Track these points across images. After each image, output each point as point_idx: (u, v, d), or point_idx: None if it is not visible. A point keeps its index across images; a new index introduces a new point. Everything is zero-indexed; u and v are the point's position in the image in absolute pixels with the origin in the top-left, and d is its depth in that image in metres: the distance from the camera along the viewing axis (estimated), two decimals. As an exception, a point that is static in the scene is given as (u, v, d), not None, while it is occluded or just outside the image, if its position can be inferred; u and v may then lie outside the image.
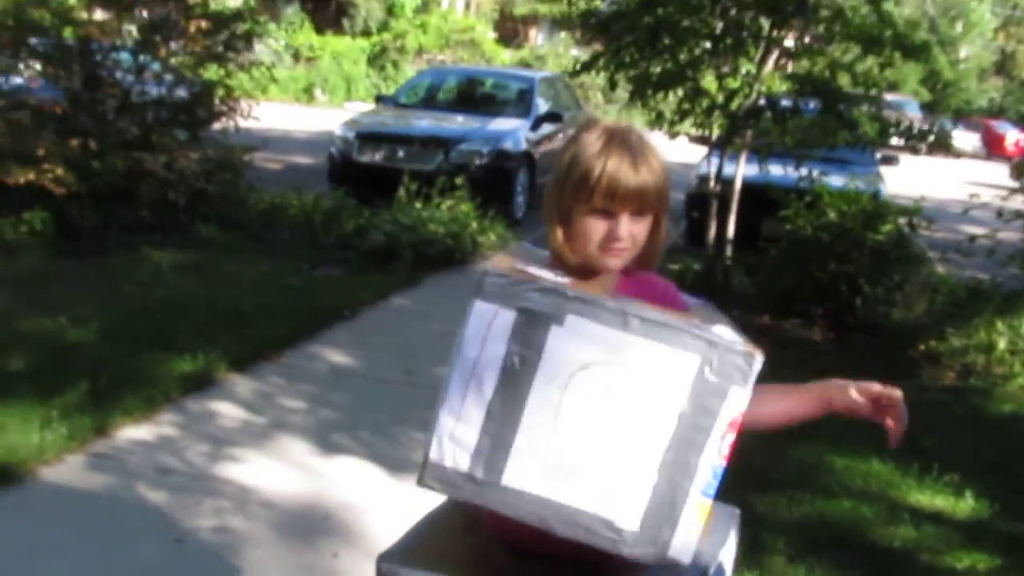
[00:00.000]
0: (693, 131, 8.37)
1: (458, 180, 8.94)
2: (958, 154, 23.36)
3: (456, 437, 1.55)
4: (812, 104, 7.47)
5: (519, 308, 1.52)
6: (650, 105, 7.64)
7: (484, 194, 9.24)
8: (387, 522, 3.63)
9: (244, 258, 7.76)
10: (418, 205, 8.62)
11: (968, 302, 6.71)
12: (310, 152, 13.95)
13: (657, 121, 7.83)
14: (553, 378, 1.51)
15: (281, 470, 4.01)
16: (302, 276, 7.45)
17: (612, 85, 7.95)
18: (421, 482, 1.60)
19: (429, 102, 12.32)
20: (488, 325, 1.54)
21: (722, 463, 1.51)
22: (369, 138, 10.51)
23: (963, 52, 43.94)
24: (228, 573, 3.22)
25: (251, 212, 9.07)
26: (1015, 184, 7.98)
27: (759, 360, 1.49)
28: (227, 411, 4.60)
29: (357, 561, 3.32)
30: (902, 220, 7.37)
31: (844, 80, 7.64)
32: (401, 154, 10.26)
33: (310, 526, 3.56)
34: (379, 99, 13.22)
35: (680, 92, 7.45)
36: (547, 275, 1.59)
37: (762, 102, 7.26)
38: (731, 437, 1.50)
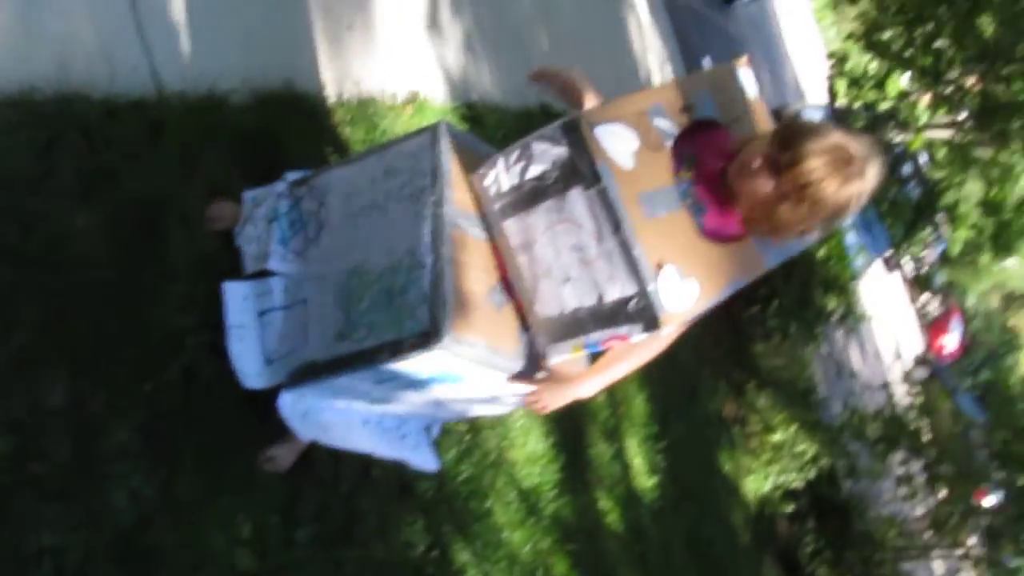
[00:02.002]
0: None
1: None
2: (918, 303, 23.99)
3: (498, 177, 2.09)
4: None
5: (571, 158, 1.96)
6: None
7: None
8: (393, 38, 3.84)
9: None
10: None
11: (799, 396, 7.31)
12: None
13: None
14: (560, 209, 2.00)
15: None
16: None
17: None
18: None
19: None
20: (553, 145, 1.99)
21: (599, 346, 2.05)
22: None
23: None
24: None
25: None
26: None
27: (663, 331, 1.93)
28: None
29: (358, 40, 3.54)
30: (840, 306, 7.86)
31: None
32: None
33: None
34: None
35: None
36: (612, 156, 1.93)
37: None
38: (616, 342, 2.01)
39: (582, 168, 1.93)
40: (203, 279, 2.37)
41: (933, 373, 15.75)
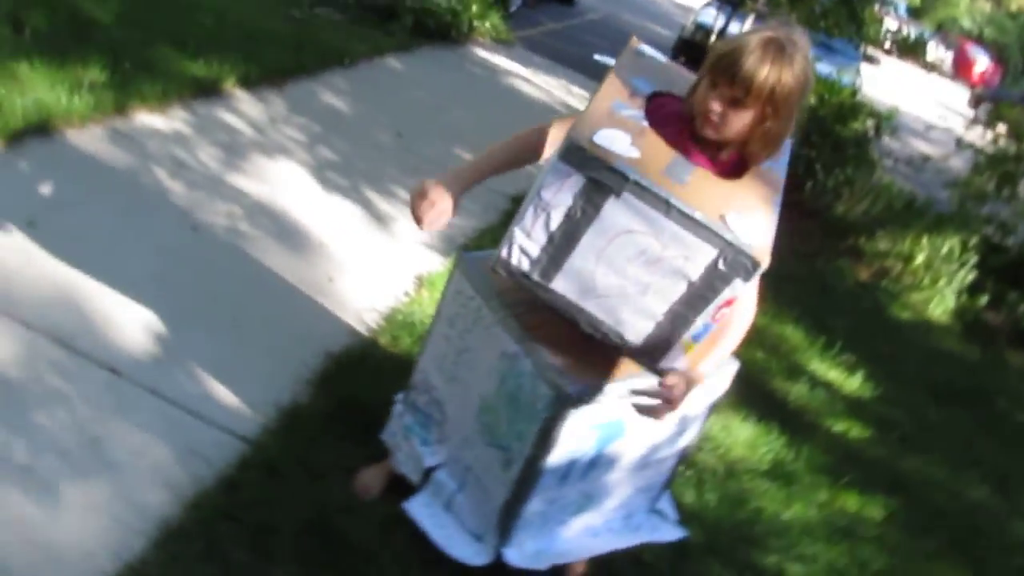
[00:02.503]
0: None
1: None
2: (929, 68, 23.71)
3: (524, 248, 2.03)
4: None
5: (589, 177, 1.91)
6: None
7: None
8: (375, 261, 4.08)
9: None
10: (430, -27, 8.68)
11: (902, 213, 7.26)
12: None
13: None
14: (603, 231, 1.96)
15: (283, 192, 4.37)
16: (302, 11, 7.56)
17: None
18: (493, 269, 2.07)
19: None
20: (563, 181, 1.94)
21: (711, 323, 2.01)
22: None
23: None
24: (236, 267, 3.63)
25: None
26: (971, 113, 8.44)
27: (762, 266, 1.90)
28: (234, 123, 4.89)
29: (348, 286, 3.77)
30: (870, 122, 7.85)
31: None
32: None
33: (308, 248, 3.97)
34: None
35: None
36: (620, 153, 1.92)
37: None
38: (725, 309, 1.98)
39: (604, 180, 1.90)
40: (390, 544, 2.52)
41: (993, 99, 15.39)
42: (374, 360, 3.29)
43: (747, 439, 3.78)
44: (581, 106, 2.31)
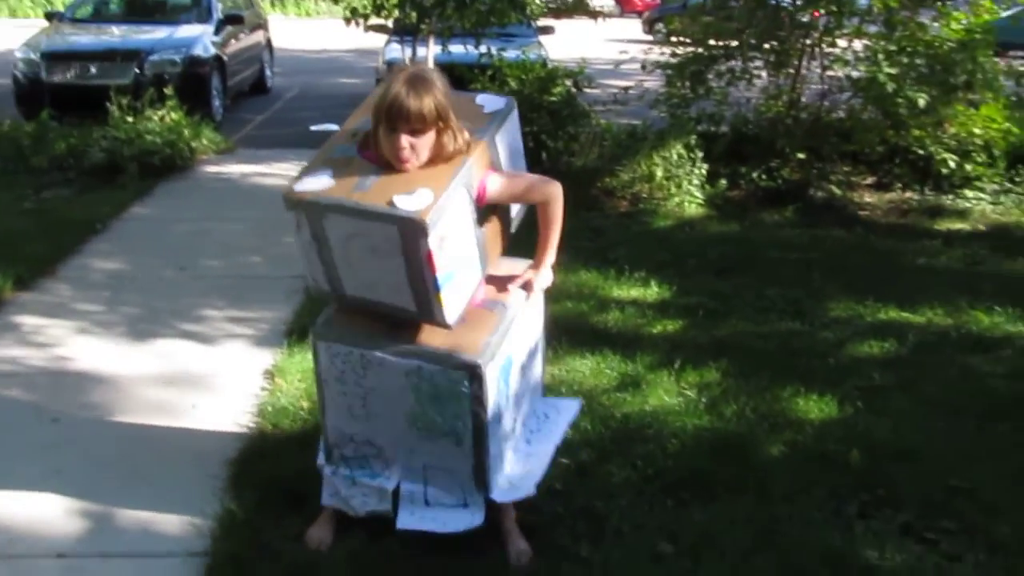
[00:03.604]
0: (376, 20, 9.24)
1: (167, 91, 9.26)
2: (596, 15, 25.43)
3: (316, 277, 2.78)
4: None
5: (305, 212, 2.61)
6: (346, 2, 8.38)
7: (183, 100, 9.58)
8: (221, 377, 4.44)
9: (-38, 192, 7.84)
10: (130, 118, 8.92)
11: (629, 144, 8.11)
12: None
13: (353, 15, 8.60)
14: (339, 244, 2.64)
15: (113, 355, 4.65)
16: (32, 201, 7.68)
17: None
18: (309, 290, 2.74)
19: (103, 15, 12.24)
20: (297, 223, 2.66)
21: (435, 274, 2.58)
22: (57, 57, 10.47)
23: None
24: (109, 432, 3.91)
25: (-52, 146, 8.97)
26: (650, 38, 9.41)
27: (427, 221, 2.46)
28: (33, 322, 5.10)
29: (212, 409, 4.12)
30: (568, 82, 8.71)
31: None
32: (94, 70, 10.35)
33: (161, 391, 4.29)
34: (50, 16, 12.80)
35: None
36: (315, 188, 2.58)
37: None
38: (436, 260, 2.56)
39: (310, 212, 2.59)
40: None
41: (660, 17, 16.78)
42: (270, 448, 3.68)
43: (591, 370, 4.39)
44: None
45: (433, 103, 2.56)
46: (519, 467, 3.03)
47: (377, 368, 2.82)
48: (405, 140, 2.57)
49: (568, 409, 3.38)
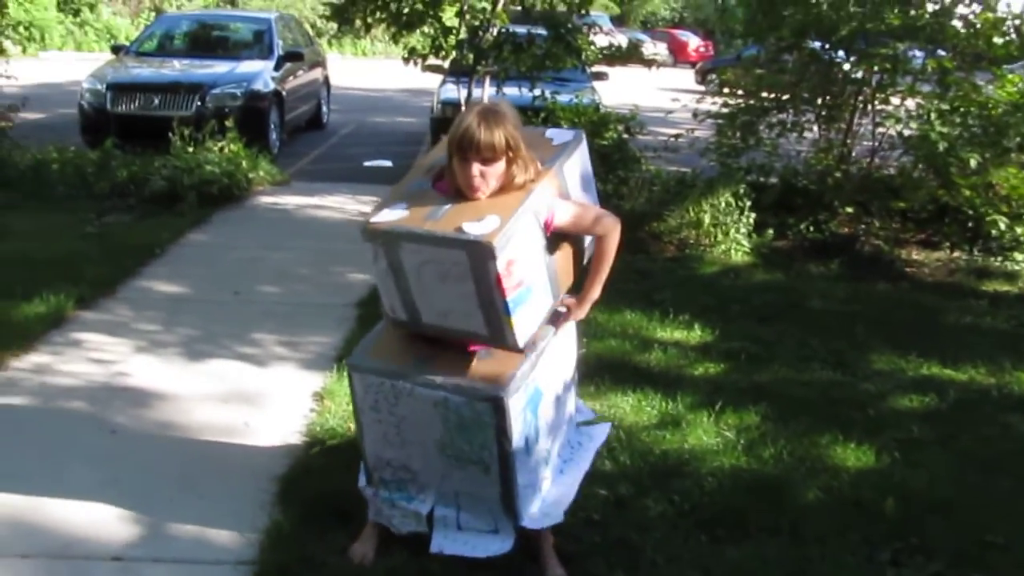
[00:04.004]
0: (433, 61, 9.49)
1: (227, 123, 9.53)
2: (650, 63, 25.73)
3: (393, 307, 2.89)
4: (542, 32, 8.74)
5: (381, 242, 2.75)
6: (404, 42, 8.62)
7: (242, 133, 9.86)
8: (273, 398, 4.58)
9: (28, 215, 8.12)
10: (190, 149, 9.20)
11: (678, 190, 8.23)
12: (38, 107, 13.78)
13: (411, 55, 8.84)
14: (413, 273, 2.76)
15: (169, 373, 4.82)
16: (94, 225, 7.94)
17: (367, 28, 8.88)
18: (386, 318, 2.95)
19: (167, 49, 12.64)
20: (374, 254, 2.79)
21: (505, 297, 2.70)
22: (122, 88, 10.84)
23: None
24: (165, 447, 4.06)
25: (18, 170, 9.29)
26: (702, 88, 9.56)
27: (494, 245, 2.59)
28: (94, 339, 5.29)
29: (264, 427, 4.26)
30: (620, 127, 8.86)
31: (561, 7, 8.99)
32: (156, 102, 10.70)
33: (215, 408, 4.44)
34: (116, 49, 13.27)
35: (428, 29, 8.48)
36: (390, 219, 2.73)
37: (498, 32, 8.44)
38: (505, 283, 2.67)
39: (386, 241, 2.73)
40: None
41: (713, 68, 16.98)
42: (317, 466, 3.80)
43: (632, 407, 4.47)
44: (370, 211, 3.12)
45: (504, 134, 2.71)
46: (552, 495, 3.11)
47: (407, 398, 2.95)
48: (476, 168, 2.72)
49: (599, 434, 3.47)
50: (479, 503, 3.01)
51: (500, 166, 2.75)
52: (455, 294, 2.72)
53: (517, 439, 2.86)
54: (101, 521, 3.42)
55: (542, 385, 2.99)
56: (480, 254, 2.61)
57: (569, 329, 3.19)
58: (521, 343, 2.79)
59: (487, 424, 2.83)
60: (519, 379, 2.85)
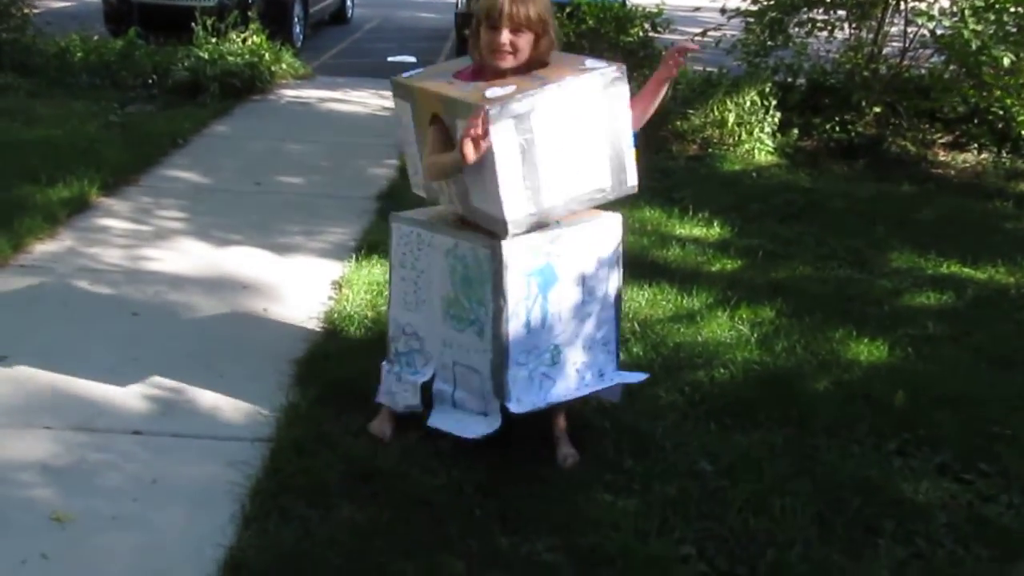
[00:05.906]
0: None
1: (250, 14, 9.44)
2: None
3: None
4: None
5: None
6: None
7: (265, 25, 9.78)
8: (293, 285, 4.63)
9: (53, 101, 8.15)
10: (213, 40, 9.13)
11: (703, 88, 8.10)
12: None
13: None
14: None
15: (190, 260, 4.88)
16: (117, 114, 7.95)
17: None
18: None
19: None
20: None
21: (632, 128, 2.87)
22: (146, -22, 10.71)
23: None
24: (186, 328, 4.14)
25: (43, 58, 9.28)
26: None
27: (620, 72, 2.73)
28: (117, 224, 5.35)
29: (282, 313, 4.32)
30: (646, 24, 8.70)
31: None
32: (180, -9, 10.57)
33: (235, 294, 4.50)
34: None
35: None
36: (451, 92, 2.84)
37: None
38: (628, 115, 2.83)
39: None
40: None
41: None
42: (334, 351, 3.87)
43: (647, 300, 4.50)
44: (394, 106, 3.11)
45: (536, 9, 2.75)
46: (553, 397, 3.13)
47: (427, 248, 3.08)
48: (506, 35, 2.75)
49: (631, 377, 3.36)
50: (473, 379, 3.06)
51: (529, 38, 2.77)
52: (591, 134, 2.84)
53: (513, 303, 2.91)
54: (122, 397, 3.50)
55: (559, 269, 2.99)
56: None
57: (611, 242, 3.15)
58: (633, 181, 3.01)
59: (486, 275, 2.90)
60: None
